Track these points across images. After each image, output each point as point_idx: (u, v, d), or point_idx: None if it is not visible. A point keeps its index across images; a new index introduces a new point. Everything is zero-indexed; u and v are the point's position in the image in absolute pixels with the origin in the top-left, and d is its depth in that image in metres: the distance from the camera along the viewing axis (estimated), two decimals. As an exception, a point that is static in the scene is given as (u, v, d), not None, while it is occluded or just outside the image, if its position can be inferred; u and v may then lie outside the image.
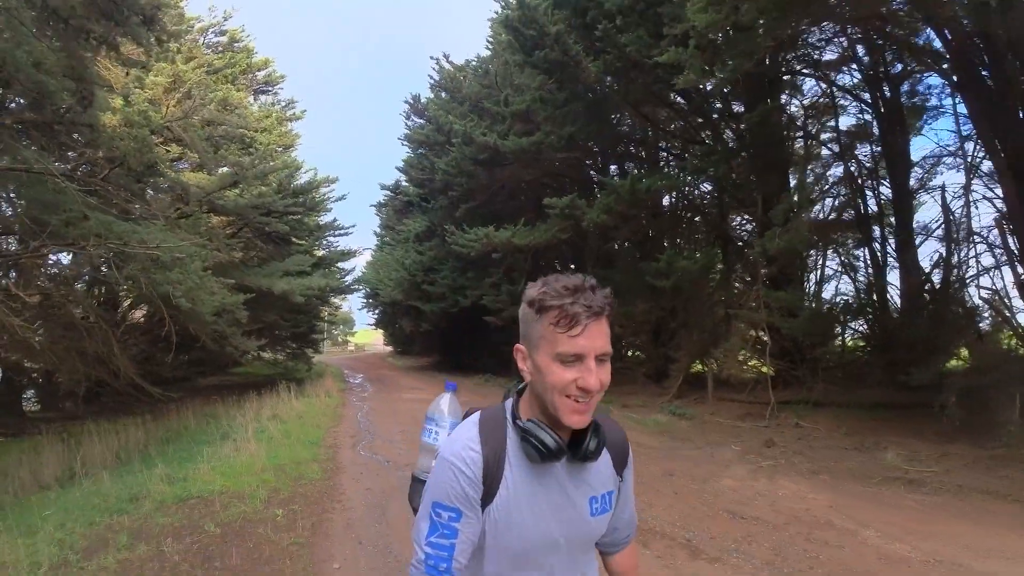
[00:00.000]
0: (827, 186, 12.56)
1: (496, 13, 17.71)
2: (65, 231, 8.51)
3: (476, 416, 1.33)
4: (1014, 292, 10.00)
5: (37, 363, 9.73)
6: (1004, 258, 10.02)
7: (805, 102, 13.01)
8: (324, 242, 23.60)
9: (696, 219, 14.82)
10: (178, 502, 5.75)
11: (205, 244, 10.67)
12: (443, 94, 19.27)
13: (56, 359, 9.03)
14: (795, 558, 4.22)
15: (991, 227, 10.45)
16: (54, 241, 7.86)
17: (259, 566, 3.99)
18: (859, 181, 12.37)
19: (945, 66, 10.12)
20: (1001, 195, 9.76)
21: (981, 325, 9.79)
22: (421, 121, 21.84)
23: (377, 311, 39.17)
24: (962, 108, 10.81)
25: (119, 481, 7.09)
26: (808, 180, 11.91)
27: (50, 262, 11.35)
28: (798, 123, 12.84)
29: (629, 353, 16.73)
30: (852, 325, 12.48)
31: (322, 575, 3.89)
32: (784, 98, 12.83)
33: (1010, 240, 9.86)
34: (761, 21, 6.81)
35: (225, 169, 14.57)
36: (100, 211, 9.13)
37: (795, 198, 9.26)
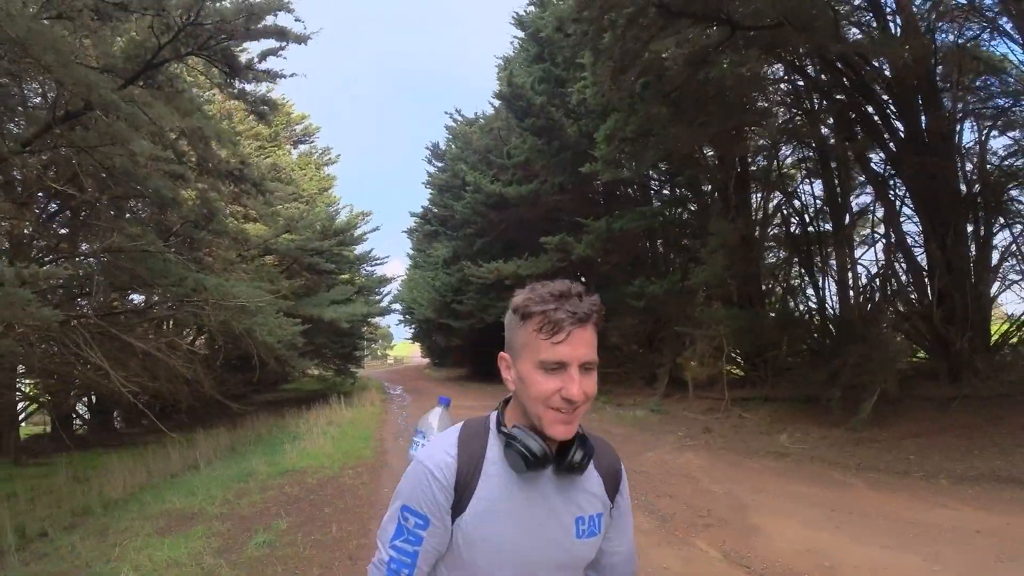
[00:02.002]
0: (776, 219, 15.53)
1: (501, 63, 21.21)
2: (174, 290, 12.11)
3: (459, 425, 1.33)
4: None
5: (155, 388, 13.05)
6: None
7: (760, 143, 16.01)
8: (362, 270, 27.39)
9: (662, 248, 18.05)
10: (280, 474, 9.13)
11: (278, 293, 14.23)
12: (457, 143, 22.82)
13: (170, 383, 12.61)
14: (641, 488, 7.39)
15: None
16: (174, 298, 11.43)
17: (344, 492, 7.38)
18: (804, 213, 15.28)
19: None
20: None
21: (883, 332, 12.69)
22: (441, 165, 25.46)
23: (413, 326, 43.04)
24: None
25: (230, 467, 10.56)
26: (759, 214, 15.00)
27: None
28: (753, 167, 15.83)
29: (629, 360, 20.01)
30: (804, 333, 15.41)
31: (379, 493, 7.28)
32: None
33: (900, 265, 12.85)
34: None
35: (280, 221, 18.26)
36: (194, 272, 12.76)
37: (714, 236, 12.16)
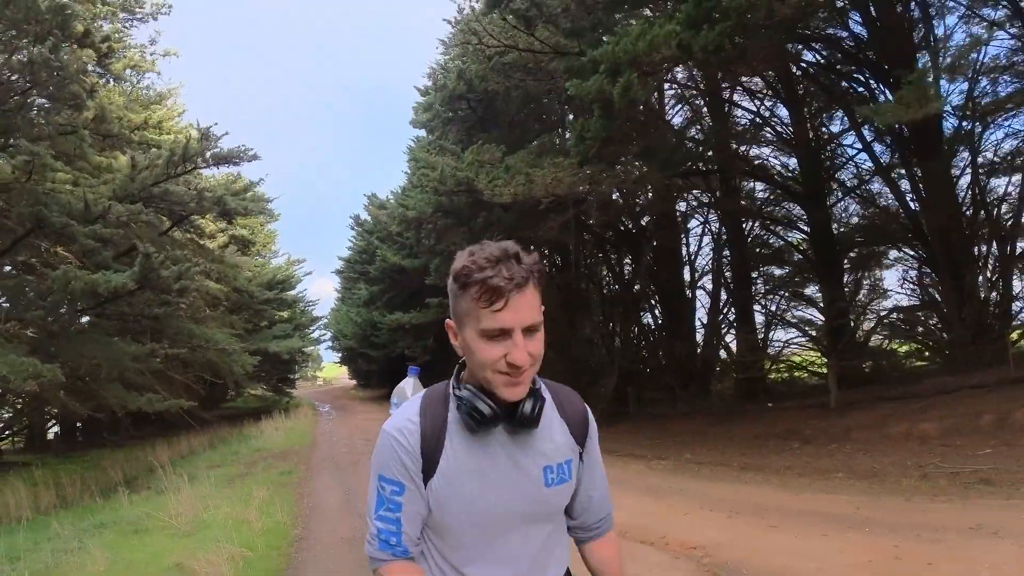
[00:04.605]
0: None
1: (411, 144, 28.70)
2: (177, 337, 18.92)
3: (423, 392, 1.40)
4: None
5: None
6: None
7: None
8: (298, 309, 34.34)
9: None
10: (255, 450, 16.14)
11: (246, 341, 21.26)
12: (372, 219, 30.26)
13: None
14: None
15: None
16: (177, 346, 18.27)
17: (294, 454, 14.59)
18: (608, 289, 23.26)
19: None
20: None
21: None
22: (360, 229, 32.77)
23: (340, 352, 49.71)
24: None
25: (221, 450, 17.59)
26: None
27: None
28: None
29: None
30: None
31: (313, 456, 14.54)
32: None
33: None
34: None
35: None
36: (189, 325, 19.60)
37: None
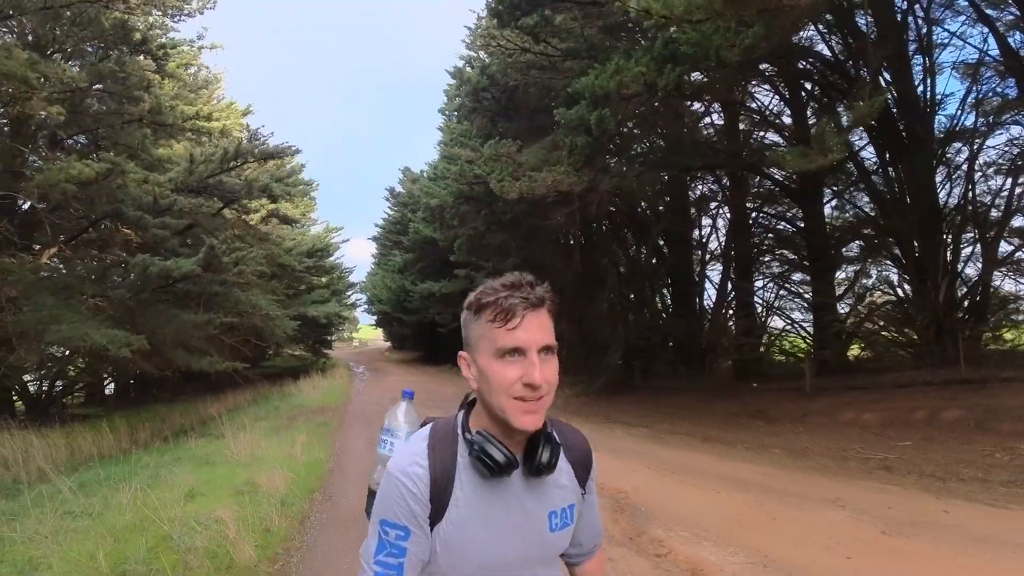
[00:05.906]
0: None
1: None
2: (229, 305, 21.38)
3: (427, 429, 1.38)
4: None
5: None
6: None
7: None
8: (335, 276, 36.91)
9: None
10: (295, 407, 18.47)
11: (284, 303, 23.73)
12: (406, 191, 32.57)
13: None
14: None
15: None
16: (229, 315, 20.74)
17: (330, 410, 16.92)
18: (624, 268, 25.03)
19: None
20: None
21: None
22: (394, 201, 35.11)
23: (376, 315, 52.50)
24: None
25: (263, 407, 20.08)
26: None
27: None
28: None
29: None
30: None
31: (346, 412, 16.90)
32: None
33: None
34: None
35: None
36: (238, 293, 22.05)
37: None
